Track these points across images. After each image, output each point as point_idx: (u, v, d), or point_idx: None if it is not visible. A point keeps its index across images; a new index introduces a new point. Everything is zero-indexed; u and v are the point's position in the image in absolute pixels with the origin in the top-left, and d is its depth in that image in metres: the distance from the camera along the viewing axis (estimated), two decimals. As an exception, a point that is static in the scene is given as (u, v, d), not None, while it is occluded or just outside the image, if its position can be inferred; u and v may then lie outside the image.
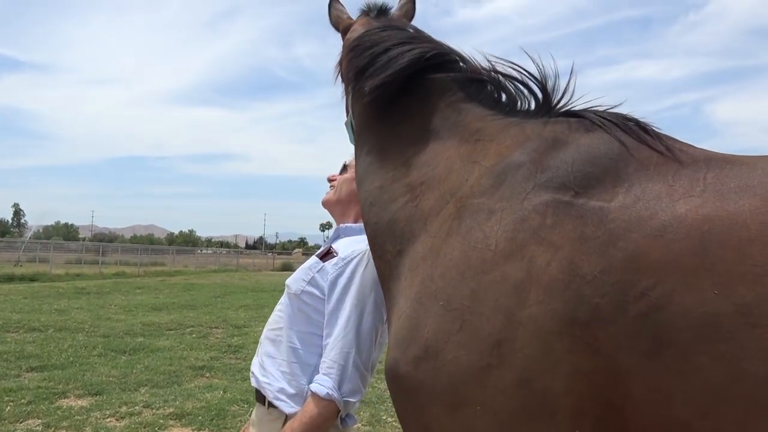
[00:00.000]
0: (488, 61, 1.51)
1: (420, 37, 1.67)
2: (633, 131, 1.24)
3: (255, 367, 1.86)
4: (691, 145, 1.24)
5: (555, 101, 1.40)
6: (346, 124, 1.86)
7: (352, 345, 1.67)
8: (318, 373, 1.68)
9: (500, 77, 1.50)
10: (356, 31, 1.80)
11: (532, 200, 1.19)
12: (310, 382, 1.69)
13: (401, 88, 1.57)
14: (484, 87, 1.53)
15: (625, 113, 1.31)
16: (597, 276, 1.05)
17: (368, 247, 1.63)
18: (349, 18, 1.92)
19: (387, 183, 1.52)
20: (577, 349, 1.04)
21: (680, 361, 0.96)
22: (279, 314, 1.85)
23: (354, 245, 1.79)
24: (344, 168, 1.99)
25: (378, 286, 1.64)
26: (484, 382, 1.10)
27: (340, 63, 1.87)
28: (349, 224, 1.93)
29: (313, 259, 1.86)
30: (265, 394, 1.77)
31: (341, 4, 1.98)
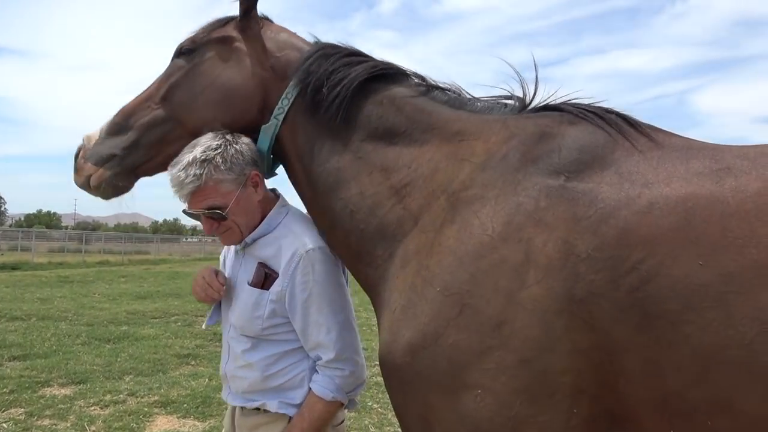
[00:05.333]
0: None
1: (370, 56, 1.63)
2: (615, 122, 1.30)
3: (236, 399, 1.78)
4: (671, 133, 1.29)
5: (530, 98, 1.45)
6: (266, 128, 1.64)
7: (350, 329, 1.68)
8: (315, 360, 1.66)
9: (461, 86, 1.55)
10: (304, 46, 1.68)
11: (525, 186, 1.23)
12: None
13: (360, 98, 1.54)
14: (444, 92, 1.55)
15: (605, 106, 1.36)
16: (591, 253, 1.09)
17: (301, 243, 1.63)
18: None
19: (366, 189, 1.49)
20: (575, 327, 1.08)
21: (669, 331, 1.00)
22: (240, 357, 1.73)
23: (283, 251, 1.67)
24: (220, 216, 1.64)
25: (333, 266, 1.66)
26: (485, 364, 1.12)
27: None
28: (254, 234, 1.73)
29: (249, 291, 1.68)
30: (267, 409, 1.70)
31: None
